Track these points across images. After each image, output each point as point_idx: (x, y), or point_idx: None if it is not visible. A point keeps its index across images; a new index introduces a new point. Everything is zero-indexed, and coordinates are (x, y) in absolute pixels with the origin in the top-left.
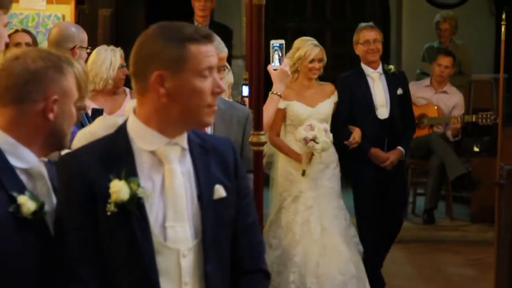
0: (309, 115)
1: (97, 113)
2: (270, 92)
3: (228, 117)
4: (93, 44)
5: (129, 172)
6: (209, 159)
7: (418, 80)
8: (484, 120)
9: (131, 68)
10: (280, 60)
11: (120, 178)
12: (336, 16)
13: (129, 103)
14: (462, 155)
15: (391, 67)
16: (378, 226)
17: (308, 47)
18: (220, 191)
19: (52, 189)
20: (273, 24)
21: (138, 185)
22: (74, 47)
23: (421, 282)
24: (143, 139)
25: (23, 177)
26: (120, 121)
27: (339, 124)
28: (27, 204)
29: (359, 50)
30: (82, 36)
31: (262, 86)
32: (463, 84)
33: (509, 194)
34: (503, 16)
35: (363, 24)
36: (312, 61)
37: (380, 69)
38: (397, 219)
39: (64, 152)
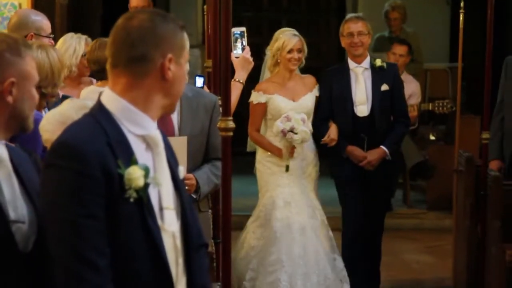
0: (291, 109)
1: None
2: (233, 80)
3: (195, 104)
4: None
5: (132, 157)
6: (164, 143)
7: None
8: (441, 109)
9: (124, 52)
10: (242, 48)
11: (129, 165)
12: (292, 5)
13: (84, 90)
14: (418, 143)
15: (378, 61)
16: (360, 224)
17: (286, 37)
18: (181, 173)
19: (13, 172)
20: None
21: (149, 172)
22: (27, 35)
23: (381, 268)
24: (135, 123)
25: None
26: (89, 104)
27: (318, 121)
28: None
29: (343, 42)
30: (38, 24)
31: (229, 72)
32: (417, 72)
33: (467, 181)
34: (461, 4)
35: (349, 16)
36: (290, 51)
37: (366, 63)
38: (378, 220)
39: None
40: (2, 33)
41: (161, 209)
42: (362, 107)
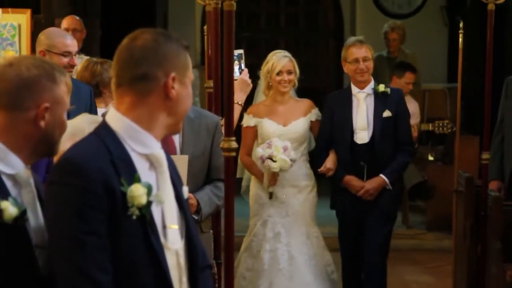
0: (280, 134)
1: None
2: None
3: (197, 126)
4: None
5: (135, 175)
6: (168, 163)
7: None
8: (441, 129)
9: (128, 71)
10: (240, 70)
11: (132, 183)
12: (290, 26)
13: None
14: (417, 164)
15: (381, 86)
16: (357, 256)
17: (275, 59)
18: (185, 193)
19: (37, 197)
20: None
21: (151, 190)
22: (40, 51)
23: None
24: (139, 142)
25: (8, 183)
26: (101, 119)
27: (318, 150)
28: (8, 209)
29: (347, 69)
30: (50, 41)
31: (232, 93)
32: (415, 92)
33: (467, 202)
34: (461, 25)
35: (351, 40)
36: (279, 73)
37: (368, 88)
38: (378, 251)
39: None
40: (39, 58)
41: (164, 227)
42: (362, 134)
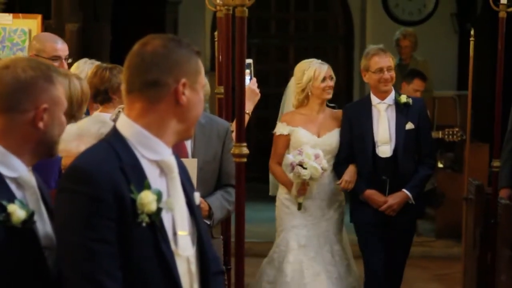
0: (313, 145)
1: None
2: None
3: (207, 131)
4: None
5: (145, 182)
6: (180, 169)
7: None
8: (451, 137)
9: (138, 77)
10: (249, 79)
11: (142, 189)
12: (300, 32)
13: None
14: None
15: (403, 96)
16: (382, 271)
17: (315, 66)
18: (197, 198)
19: (40, 198)
20: None
21: (161, 196)
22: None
23: None
24: (149, 148)
25: (12, 186)
26: (106, 118)
27: (336, 162)
28: (16, 213)
29: (369, 78)
30: (40, 45)
31: (244, 98)
32: (426, 100)
33: (477, 209)
34: (472, 32)
35: (373, 48)
36: (324, 79)
37: (390, 99)
38: (398, 267)
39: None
40: (35, 60)
41: (175, 234)
42: (385, 147)
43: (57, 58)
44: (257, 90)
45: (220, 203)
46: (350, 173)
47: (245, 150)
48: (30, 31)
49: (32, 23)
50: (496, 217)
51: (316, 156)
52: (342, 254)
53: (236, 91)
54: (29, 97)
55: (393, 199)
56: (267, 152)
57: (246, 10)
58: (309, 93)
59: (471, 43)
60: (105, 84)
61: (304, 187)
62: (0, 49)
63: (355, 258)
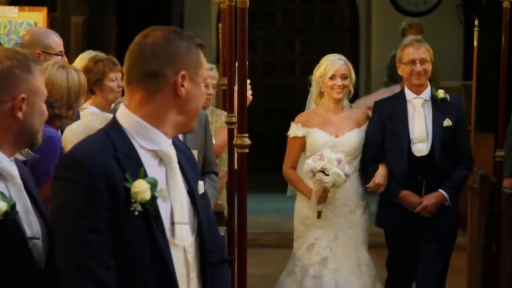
0: (331, 146)
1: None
2: None
3: None
4: (65, 51)
5: (140, 170)
6: (184, 158)
7: (386, 86)
8: None
9: (138, 68)
10: None
11: (137, 178)
12: (306, 24)
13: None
14: None
15: (441, 91)
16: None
17: (328, 62)
18: (201, 187)
19: (23, 188)
20: None
21: (156, 185)
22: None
23: None
24: (147, 138)
25: None
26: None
27: (365, 162)
28: None
29: (402, 70)
30: (46, 42)
31: (245, 89)
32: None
33: (481, 199)
34: (476, 23)
35: (408, 39)
36: (332, 77)
37: (426, 94)
38: (431, 282)
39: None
40: (12, 49)
41: (173, 223)
42: (421, 146)
43: (62, 52)
44: (249, 93)
45: (212, 192)
46: (381, 175)
47: (247, 141)
48: (35, 24)
49: (37, 16)
50: (500, 206)
51: (339, 161)
52: (370, 263)
53: (238, 82)
54: (6, 87)
55: (429, 200)
56: (272, 144)
57: (247, 1)
58: (322, 90)
59: (475, 34)
60: (87, 75)
61: (324, 194)
62: (6, 42)
63: (374, 247)
